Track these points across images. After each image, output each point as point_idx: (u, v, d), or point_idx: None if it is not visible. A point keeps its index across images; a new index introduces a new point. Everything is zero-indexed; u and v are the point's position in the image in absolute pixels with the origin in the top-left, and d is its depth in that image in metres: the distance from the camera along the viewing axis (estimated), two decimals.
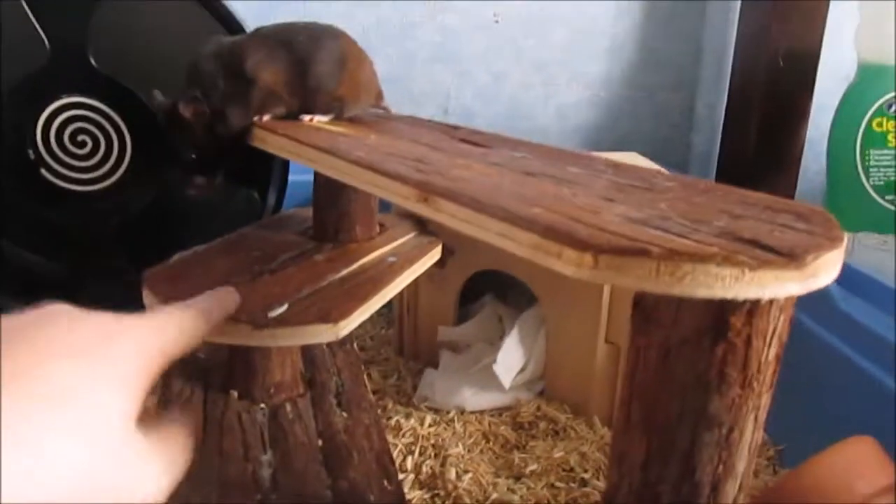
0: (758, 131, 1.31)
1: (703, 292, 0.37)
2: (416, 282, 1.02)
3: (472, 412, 0.92)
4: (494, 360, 0.90)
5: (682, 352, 0.43)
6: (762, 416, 0.45)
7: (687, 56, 1.41)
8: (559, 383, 0.94)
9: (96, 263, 0.94)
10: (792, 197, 1.01)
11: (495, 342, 0.97)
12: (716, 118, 1.43)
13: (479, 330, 0.99)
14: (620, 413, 0.48)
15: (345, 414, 0.72)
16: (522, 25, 1.34)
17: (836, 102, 1.31)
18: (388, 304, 1.16)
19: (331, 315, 0.62)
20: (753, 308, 0.41)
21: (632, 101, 1.40)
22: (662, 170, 0.59)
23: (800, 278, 0.38)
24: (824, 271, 0.39)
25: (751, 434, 0.45)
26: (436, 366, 0.99)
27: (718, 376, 0.42)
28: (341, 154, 0.60)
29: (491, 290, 1.04)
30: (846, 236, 0.41)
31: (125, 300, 0.73)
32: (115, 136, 0.91)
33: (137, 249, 0.92)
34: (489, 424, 0.90)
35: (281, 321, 0.61)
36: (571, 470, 0.82)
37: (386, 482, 0.63)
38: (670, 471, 0.45)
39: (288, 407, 0.71)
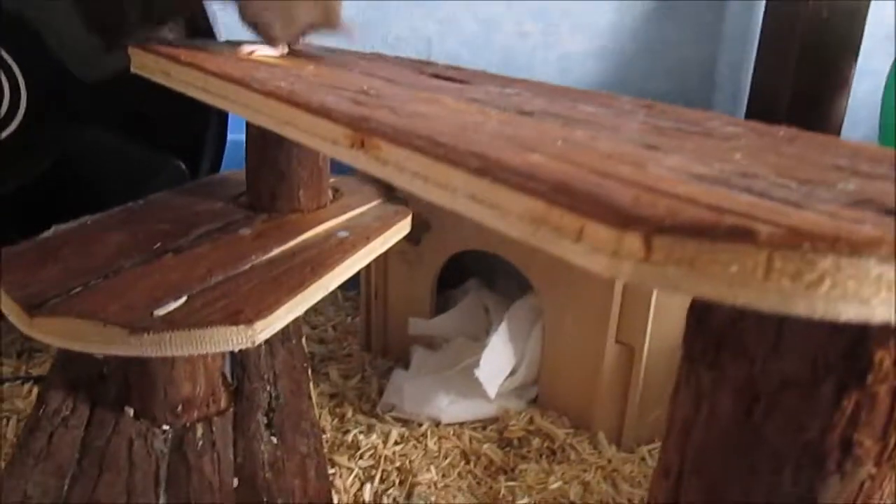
0: (792, 95, 1.13)
1: (852, 311, 0.19)
2: (386, 262, 0.84)
3: (449, 425, 0.75)
4: (477, 364, 0.72)
5: (782, 402, 0.25)
6: None
7: (709, 5, 1.22)
8: (556, 391, 0.76)
9: None
10: None
11: (480, 337, 0.80)
12: (740, 78, 1.25)
13: (461, 322, 0.82)
14: (660, 485, 0.31)
15: (275, 439, 0.54)
16: None
17: (877, 65, 1.13)
18: (356, 288, 1.00)
19: (243, 313, 0.44)
20: None
21: (644, 55, 1.21)
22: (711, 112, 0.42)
23: None
24: None
25: None
26: (407, 365, 0.82)
27: (842, 444, 0.25)
28: (255, 85, 0.42)
29: (476, 274, 0.86)
30: None
31: None
32: (5, 84, 0.72)
33: (31, 225, 0.74)
34: (470, 441, 0.73)
35: (172, 322, 0.43)
36: None
37: None
38: None
39: (199, 430, 0.54)
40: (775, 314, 0.23)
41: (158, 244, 0.54)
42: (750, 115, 1.20)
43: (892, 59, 1.04)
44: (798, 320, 0.24)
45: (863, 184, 0.26)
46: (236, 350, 0.46)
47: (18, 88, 0.73)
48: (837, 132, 1.15)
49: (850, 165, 0.30)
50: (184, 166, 0.78)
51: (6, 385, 0.78)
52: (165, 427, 0.54)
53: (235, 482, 0.50)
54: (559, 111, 0.38)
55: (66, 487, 0.48)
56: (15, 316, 0.46)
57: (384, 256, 0.79)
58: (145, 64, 0.57)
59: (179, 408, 0.54)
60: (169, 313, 0.44)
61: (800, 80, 1.13)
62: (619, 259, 0.21)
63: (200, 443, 0.53)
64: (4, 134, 0.73)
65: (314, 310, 1.00)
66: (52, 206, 0.76)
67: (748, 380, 0.26)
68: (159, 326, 0.43)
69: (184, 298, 0.46)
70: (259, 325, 0.44)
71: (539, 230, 0.23)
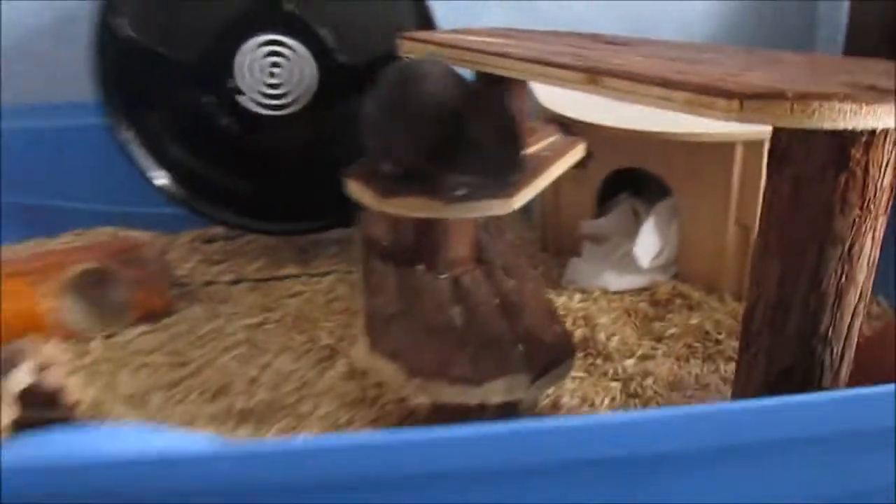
0: (881, 29, 1.31)
1: (828, 124, 0.48)
2: (556, 183, 1.14)
3: (615, 292, 1.04)
4: (634, 243, 1.01)
5: (812, 183, 0.53)
6: (879, 235, 0.55)
7: None
8: (692, 265, 1.04)
9: (284, 181, 1.12)
10: None
11: (632, 234, 1.08)
12: (839, 17, 1.43)
13: (618, 223, 1.10)
14: (759, 241, 0.59)
15: (512, 281, 0.86)
16: None
17: None
18: (530, 211, 1.30)
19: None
20: (870, 140, 0.51)
21: (752, 8, 1.43)
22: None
23: None
24: None
25: (869, 250, 0.55)
26: (579, 256, 1.11)
27: (841, 201, 0.53)
28: (512, 55, 0.72)
29: (627, 188, 1.14)
30: None
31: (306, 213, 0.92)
32: (296, 69, 1.07)
33: (322, 170, 1.04)
34: (630, 302, 1.02)
35: (463, 198, 0.75)
36: (707, 333, 0.93)
37: (555, 326, 0.77)
38: (801, 284, 0.57)
39: (467, 277, 0.86)
40: (802, 136, 0.51)
41: None
42: (847, 50, 1.39)
43: None
44: (815, 140, 0.52)
45: (851, 77, 0.53)
46: (502, 214, 0.77)
47: (313, 73, 1.07)
48: None
49: (853, 69, 0.57)
50: None
51: (302, 278, 1.14)
52: (446, 275, 0.87)
53: (497, 301, 0.82)
54: (693, 56, 0.67)
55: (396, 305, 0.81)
56: (370, 199, 0.78)
57: (556, 180, 1.07)
58: (414, 49, 0.89)
59: (453, 263, 0.87)
60: (460, 194, 0.76)
61: (890, 14, 1.30)
62: (729, 112, 0.49)
63: (469, 282, 0.85)
64: (302, 105, 1.08)
65: None
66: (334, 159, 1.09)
67: (796, 174, 0.53)
68: (459, 201, 0.75)
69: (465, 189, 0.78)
70: (515, 197, 0.76)
71: (692, 106, 0.52)
